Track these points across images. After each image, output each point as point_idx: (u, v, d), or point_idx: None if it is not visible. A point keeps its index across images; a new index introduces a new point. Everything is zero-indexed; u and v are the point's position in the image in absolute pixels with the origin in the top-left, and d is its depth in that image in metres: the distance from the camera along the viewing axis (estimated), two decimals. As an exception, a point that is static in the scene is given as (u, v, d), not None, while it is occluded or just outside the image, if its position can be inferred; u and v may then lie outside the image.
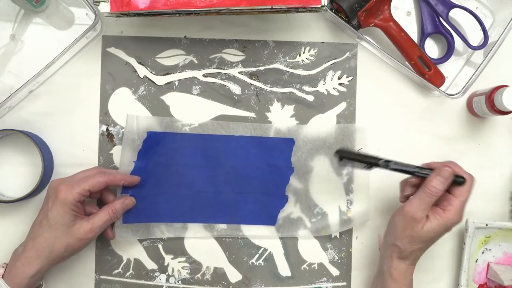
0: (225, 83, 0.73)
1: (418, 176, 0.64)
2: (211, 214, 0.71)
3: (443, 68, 0.73)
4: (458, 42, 0.73)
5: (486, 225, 0.69)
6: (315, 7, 0.63)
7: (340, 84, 0.73)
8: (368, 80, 0.73)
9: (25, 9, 0.70)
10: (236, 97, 0.73)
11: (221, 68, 0.73)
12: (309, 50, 0.73)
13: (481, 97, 0.69)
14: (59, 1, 0.72)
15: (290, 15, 0.72)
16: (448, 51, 0.73)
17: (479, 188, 0.73)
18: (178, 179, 0.71)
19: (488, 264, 0.72)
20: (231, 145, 0.71)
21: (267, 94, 0.73)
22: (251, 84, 0.73)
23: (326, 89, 0.73)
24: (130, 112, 0.71)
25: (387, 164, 0.63)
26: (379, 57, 0.73)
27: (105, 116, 0.72)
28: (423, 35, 0.73)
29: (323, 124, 0.73)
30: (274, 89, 0.73)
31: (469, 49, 0.73)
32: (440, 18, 0.72)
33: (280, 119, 0.73)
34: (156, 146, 0.70)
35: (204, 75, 0.73)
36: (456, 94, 0.69)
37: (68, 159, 0.68)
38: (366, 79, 0.73)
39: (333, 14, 0.68)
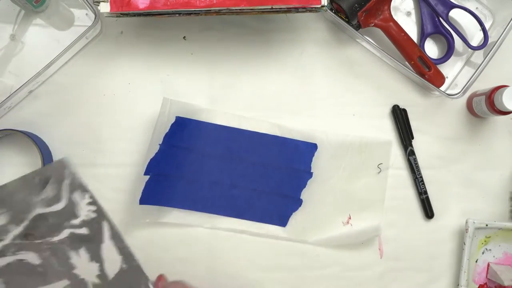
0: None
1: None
2: (223, 206, 0.70)
3: (443, 68, 0.73)
4: (458, 42, 0.73)
5: (486, 225, 0.69)
6: (315, 7, 0.63)
7: (340, 84, 0.73)
8: (368, 80, 0.73)
9: (25, 9, 0.70)
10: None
11: (221, 68, 0.73)
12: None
13: (481, 97, 0.69)
14: (59, 1, 0.72)
15: (290, 15, 0.72)
16: (448, 51, 0.73)
17: (479, 188, 0.73)
18: (197, 167, 0.70)
19: (488, 264, 0.72)
20: (253, 142, 0.71)
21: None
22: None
23: (326, 89, 0.73)
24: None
25: (411, 151, 0.71)
26: (379, 57, 0.73)
27: (105, 116, 0.72)
28: (423, 35, 0.73)
29: (348, 134, 0.71)
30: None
31: (469, 49, 0.73)
32: (440, 18, 0.72)
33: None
34: (182, 132, 0.69)
35: (204, 75, 0.73)
36: (456, 94, 0.69)
37: (68, 159, 0.68)
38: (366, 79, 0.73)
39: (333, 14, 0.68)
